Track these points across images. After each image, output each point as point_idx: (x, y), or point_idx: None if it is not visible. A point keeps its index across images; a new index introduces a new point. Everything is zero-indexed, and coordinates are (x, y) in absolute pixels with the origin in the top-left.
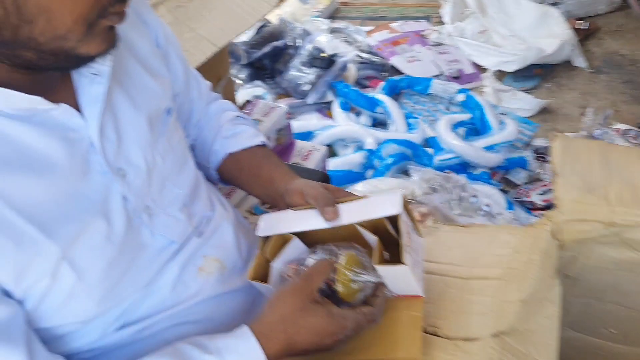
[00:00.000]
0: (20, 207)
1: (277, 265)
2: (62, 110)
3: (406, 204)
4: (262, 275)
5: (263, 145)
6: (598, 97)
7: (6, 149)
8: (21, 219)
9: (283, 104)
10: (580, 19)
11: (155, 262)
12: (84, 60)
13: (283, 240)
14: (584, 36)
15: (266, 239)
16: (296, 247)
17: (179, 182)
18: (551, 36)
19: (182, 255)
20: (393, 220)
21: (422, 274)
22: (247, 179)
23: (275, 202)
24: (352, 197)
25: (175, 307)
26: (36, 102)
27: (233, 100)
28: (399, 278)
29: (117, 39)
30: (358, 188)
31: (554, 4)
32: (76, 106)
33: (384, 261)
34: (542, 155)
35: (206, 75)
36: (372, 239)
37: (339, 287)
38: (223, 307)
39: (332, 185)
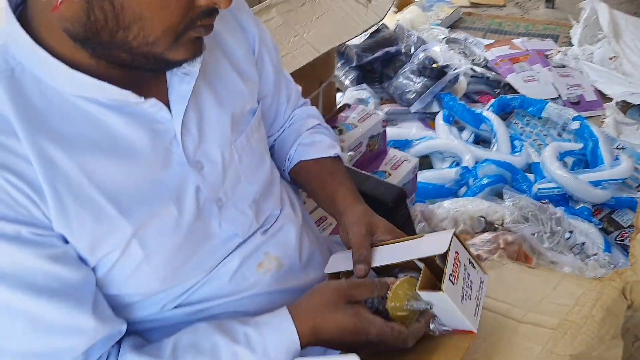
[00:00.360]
0: (102, 186)
1: None
2: (151, 104)
3: (462, 241)
4: None
5: (337, 157)
6: None
7: (98, 132)
8: (102, 197)
9: (382, 111)
10: None
11: (219, 251)
12: (172, 64)
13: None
14: None
15: (334, 274)
16: None
17: (252, 179)
18: None
19: (245, 249)
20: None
21: (477, 309)
22: (313, 190)
23: (334, 218)
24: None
25: (231, 297)
26: (126, 95)
27: (333, 103)
28: (445, 308)
29: (203, 48)
30: (445, 205)
31: None
32: (166, 101)
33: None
34: None
35: (308, 77)
36: (420, 265)
37: (388, 305)
38: (276, 304)
39: (383, 228)
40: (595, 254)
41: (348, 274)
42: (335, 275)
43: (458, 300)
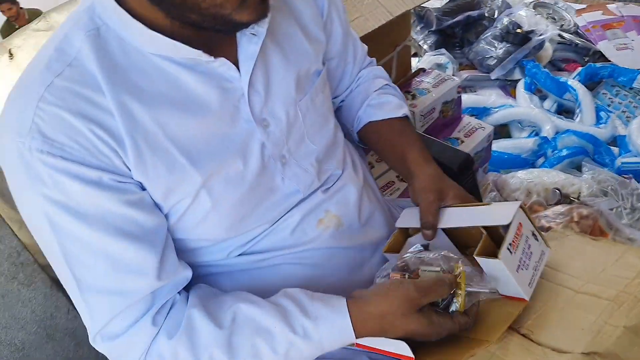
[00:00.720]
0: (175, 139)
1: (413, 240)
2: (220, 63)
3: (528, 214)
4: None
5: (406, 117)
6: None
7: (173, 89)
8: (175, 148)
9: (460, 77)
10: None
11: (281, 205)
12: (239, 26)
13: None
14: None
15: (403, 229)
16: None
17: (315, 139)
18: None
19: (306, 206)
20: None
21: (533, 279)
22: (382, 151)
23: (405, 179)
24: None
25: (292, 249)
26: (198, 54)
27: (407, 67)
28: (499, 275)
29: (268, 10)
30: (519, 175)
31: None
32: (236, 61)
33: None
34: None
35: (382, 40)
36: (483, 232)
37: (457, 303)
38: (334, 260)
39: (453, 195)
40: None
41: (417, 230)
42: (404, 230)
43: (514, 269)
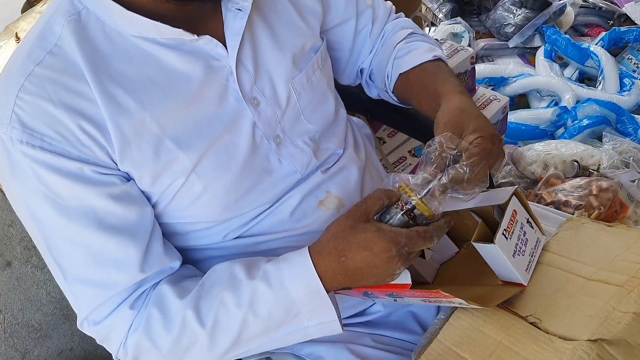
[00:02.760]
0: (162, 122)
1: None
2: (206, 41)
3: (524, 200)
4: None
5: (439, 60)
6: None
7: (157, 71)
8: (162, 132)
9: (477, 46)
10: None
11: (279, 186)
12: None
13: None
14: None
15: None
16: None
17: (312, 118)
18: None
19: (306, 186)
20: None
21: (530, 265)
22: (417, 98)
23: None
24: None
25: (291, 231)
26: (180, 33)
27: None
28: (498, 260)
29: None
30: (536, 147)
31: None
32: (223, 38)
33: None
34: None
35: None
36: (479, 220)
37: (416, 208)
38: None
39: (472, 129)
40: None
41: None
42: None
43: (510, 254)
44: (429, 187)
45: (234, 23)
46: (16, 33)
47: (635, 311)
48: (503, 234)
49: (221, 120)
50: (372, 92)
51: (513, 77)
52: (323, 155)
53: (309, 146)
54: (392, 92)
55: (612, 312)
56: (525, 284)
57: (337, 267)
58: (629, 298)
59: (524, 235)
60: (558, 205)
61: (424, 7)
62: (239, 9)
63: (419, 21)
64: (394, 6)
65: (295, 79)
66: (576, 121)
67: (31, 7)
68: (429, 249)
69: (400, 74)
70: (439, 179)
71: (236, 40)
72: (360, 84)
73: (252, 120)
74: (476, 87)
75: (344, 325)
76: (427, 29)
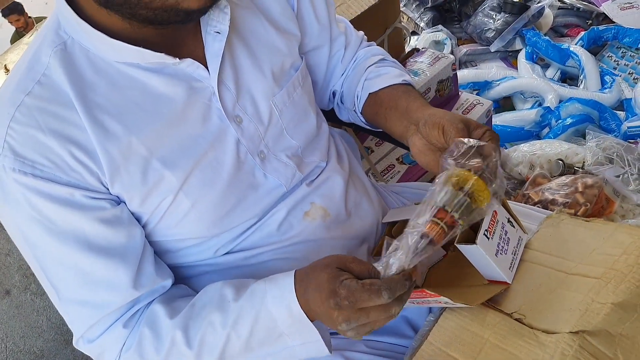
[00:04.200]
0: (148, 144)
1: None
2: (187, 63)
3: (503, 201)
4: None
5: (408, 84)
6: None
7: (142, 95)
8: (149, 154)
9: (460, 52)
10: None
11: (265, 200)
12: (192, 13)
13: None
14: None
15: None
16: None
17: (295, 134)
18: None
19: (291, 199)
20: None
21: (513, 263)
22: (386, 114)
23: (409, 134)
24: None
25: (279, 244)
26: (162, 57)
27: (401, 49)
28: (481, 260)
29: None
30: (522, 148)
31: None
32: (204, 61)
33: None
34: None
35: (371, 24)
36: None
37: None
38: (322, 251)
39: (474, 121)
40: None
41: (405, 223)
42: (392, 224)
43: (492, 253)
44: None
45: (213, 45)
46: (5, 65)
47: (613, 301)
48: (484, 234)
49: (205, 139)
50: (343, 115)
51: (497, 81)
52: (307, 168)
53: (292, 160)
54: (361, 113)
55: (591, 304)
56: (509, 282)
57: (302, 297)
58: (607, 289)
59: (506, 235)
60: (545, 204)
61: (405, 17)
62: (217, 32)
63: (399, 32)
64: (365, 35)
65: (276, 97)
66: (560, 120)
67: (20, 38)
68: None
69: (369, 93)
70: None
71: (216, 62)
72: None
73: (235, 137)
74: (459, 93)
75: (334, 337)
76: (409, 38)
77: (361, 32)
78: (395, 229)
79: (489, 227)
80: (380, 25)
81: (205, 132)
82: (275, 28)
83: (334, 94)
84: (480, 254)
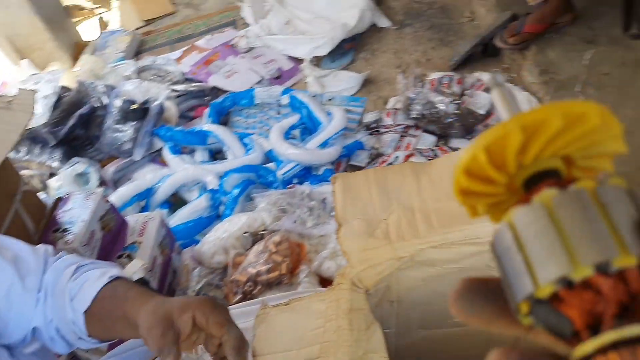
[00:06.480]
0: None
1: None
2: None
3: None
4: None
5: (116, 279)
6: (409, 51)
7: None
8: None
9: (107, 173)
10: None
11: None
12: None
13: None
14: None
15: None
16: None
17: None
18: (350, 7)
19: None
20: None
21: None
22: (115, 328)
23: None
24: None
25: None
26: None
27: (41, 212)
28: None
29: None
30: (209, 239)
31: None
32: None
33: None
34: (375, 129)
35: None
36: None
37: None
38: None
39: (179, 309)
40: None
41: None
42: None
43: None
44: None
45: None
46: None
47: None
48: None
49: None
50: (62, 349)
51: (156, 185)
52: None
53: None
54: (90, 337)
55: None
56: None
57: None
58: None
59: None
60: (254, 279)
61: (33, 165)
62: None
63: (31, 196)
64: (49, 247)
65: None
66: (228, 196)
67: None
68: None
69: (84, 313)
70: None
71: None
72: None
73: None
74: (125, 219)
75: None
76: (47, 183)
77: (43, 247)
78: None
79: None
80: (6, 197)
81: None
82: None
83: (34, 329)
84: None
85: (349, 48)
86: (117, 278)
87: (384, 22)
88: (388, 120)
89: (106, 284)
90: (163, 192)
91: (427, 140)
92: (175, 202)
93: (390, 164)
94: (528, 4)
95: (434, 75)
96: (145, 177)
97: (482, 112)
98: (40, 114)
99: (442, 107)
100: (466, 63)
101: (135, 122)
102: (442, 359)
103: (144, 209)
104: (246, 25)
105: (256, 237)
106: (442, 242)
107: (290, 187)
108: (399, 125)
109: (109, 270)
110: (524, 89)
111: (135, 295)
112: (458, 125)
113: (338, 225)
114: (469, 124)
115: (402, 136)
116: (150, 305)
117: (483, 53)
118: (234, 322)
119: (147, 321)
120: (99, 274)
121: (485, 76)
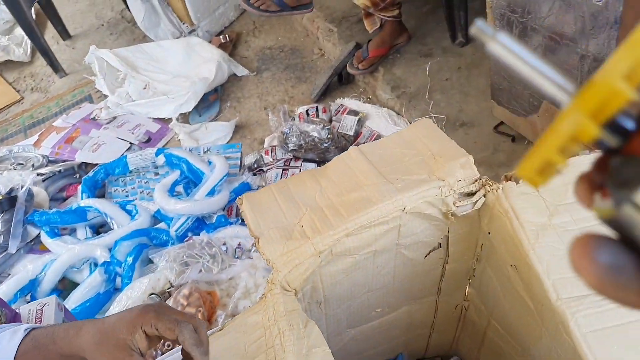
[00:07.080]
0: None
1: None
2: None
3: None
4: None
5: (31, 331)
6: (272, 93)
7: None
8: None
9: None
10: (219, 34)
11: None
12: None
13: None
14: (232, 47)
15: None
16: None
17: None
18: (205, 62)
19: None
20: None
21: None
22: None
23: None
24: None
25: None
26: None
27: None
28: None
29: None
30: (114, 311)
31: (191, 32)
32: None
33: None
34: (258, 169)
35: None
36: None
37: None
38: None
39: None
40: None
41: None
42: None
43: None
44: None
45: None
46: None
47: None
48: None
49: None
50: None
51: (40, 273)
52: None
53: None
54: None
55: None
56: None
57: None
58: None
59: None
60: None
61: None
62: None
63: None
64: None
65: None
66: (123, 264)
67: None
68: None
69: None
70: None
71: None
72: None
73: None
74: (17, 311)
75: None
76: None
77: None
78: None
79: None
80: None
81: None
82: None
83: None
84: None
85: (213, 100)
86: (32, 329)
87: (241, 70)
88: (268, 158)
89: (23, 338)
90: (49, 279)
91: (309, 168)
92: (64, 288)
93: None
94: (368, 32)
95: (301, 109)
96: (25, 268)
97: (350, 133)
98: None
99: (315, 134)
100: (326, 93)
101: (4, 213)
102: (371, 355)
103: None
104: (103, 97)
105: (164, 295)
106: (355, 227)
107: (187, 240)
108: (279, 160)
109: (20, 327)
110: (382, 106)
111: (61, 333)
112: (333, 148)
113: (255, 239)
114: (342, 145)
115: (284, 169)
116: (90, 336)
117: (339, 82)
118: (183, 319)
119: (101, 353)
120: (11, 334)
121: (347, 101)
